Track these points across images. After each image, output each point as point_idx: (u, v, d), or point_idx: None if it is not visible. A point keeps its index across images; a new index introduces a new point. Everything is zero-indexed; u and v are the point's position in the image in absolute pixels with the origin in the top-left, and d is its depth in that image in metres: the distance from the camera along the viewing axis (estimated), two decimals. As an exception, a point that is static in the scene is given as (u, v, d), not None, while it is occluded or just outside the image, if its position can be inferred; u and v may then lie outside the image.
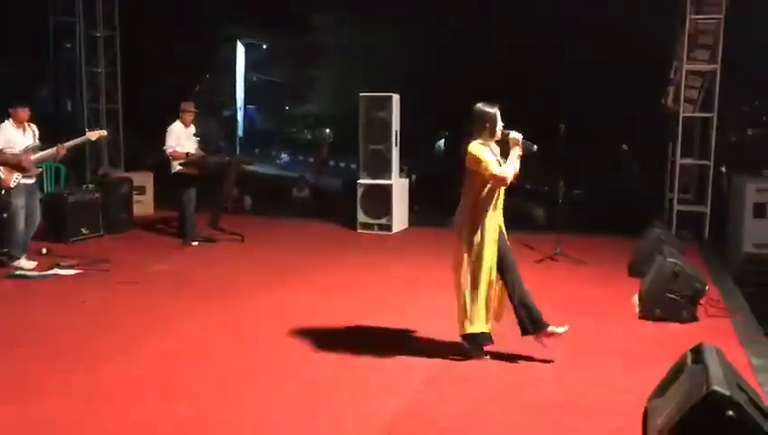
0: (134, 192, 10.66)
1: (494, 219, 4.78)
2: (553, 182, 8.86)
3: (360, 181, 10.11)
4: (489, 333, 4.83)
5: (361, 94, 10.12)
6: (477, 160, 4.64)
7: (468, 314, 4.74)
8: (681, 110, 9.82)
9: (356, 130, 10.24)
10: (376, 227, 9.97)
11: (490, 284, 4.77)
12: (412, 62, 17.84)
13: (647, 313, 5.85)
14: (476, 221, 4.73)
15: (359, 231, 10.00)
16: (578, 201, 11.90)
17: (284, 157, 23.91)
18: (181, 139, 8.87)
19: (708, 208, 9.82)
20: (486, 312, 4.77)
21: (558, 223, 8.45)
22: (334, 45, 22.45)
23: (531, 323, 4.79)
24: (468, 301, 4.74)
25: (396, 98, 10.00)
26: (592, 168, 13.80)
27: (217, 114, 22.70)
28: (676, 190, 9.97)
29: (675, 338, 5.24)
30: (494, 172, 4.63)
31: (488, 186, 4.71)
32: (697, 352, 3.39)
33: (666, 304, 5.76)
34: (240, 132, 23.60)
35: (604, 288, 6.93)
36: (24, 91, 14.00)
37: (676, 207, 9.94)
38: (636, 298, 6.26)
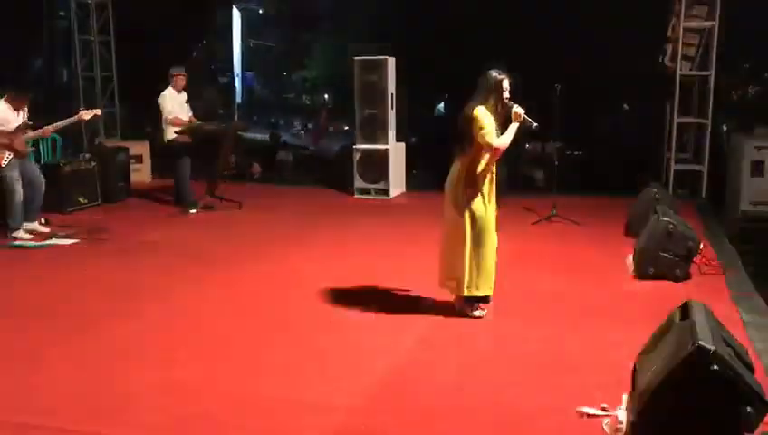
0: (131, 161, 10.66)
1: (492, 186, 4.80)
2: (552, 144, 8.85)
3: (357, 146, 10.08)
4: (490, 297, 4.92)
5: (355, 58, 10.02)
6: (479, 126, 4.61)
7: (472, 278, 4.77)
8: (679, 68, 9.73)
9: (353, 94, 10.17)
10: (373, 192, 9.98)
11: (494, 251, 4.83)
12: (411, 23, 17.63)
13: (640, 271, 5.88)
14: (477, 188, 4.72)
15: (356, 196, 10.00)
16: (576, 161, 11.86)
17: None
18: (175, 105, 8.82)
19: (706, 167, 9.80)
20: (490, 279, 4.82)
21: (555, 184, 8.44)
22: (331, 8, 22.17)
23: None
24: (472, 266, 4.76)
25: (391, 61, 9.90)
26: (590, 128, 13.71)
27: (214, 81, 22.51)
28: (673, 149, 9.93)
29: (667, 296, 5.25)
30: (491, 141, 4.61)
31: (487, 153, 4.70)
32: (685, 308, 3.43)
33: (659, 262, 5.78)
34: (238, 99, 23.43)
35: (599, 248, 6.96)
36: (18, 61, 13.91)
37: (674, 167, 9.92)
38: (630, 257, 6.29)
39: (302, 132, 21.40)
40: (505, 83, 4.72)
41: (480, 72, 4.81)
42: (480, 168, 4.73)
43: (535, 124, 4.79)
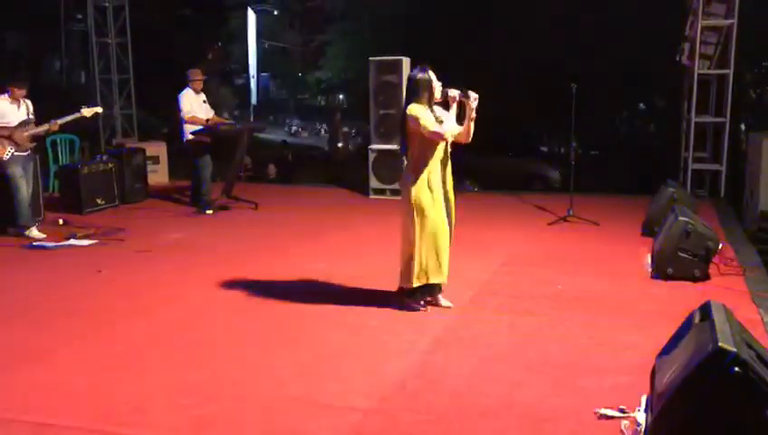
0: (148, 162, 10.73)
1: (439, 178, 4.85)
2: (568, 143, 8.79)
3: (372, 147, 10.08)
4: (439, 285, 5.00)
5: (371, 58, 10.04)
6: (416, 120, 4.69)
7: (422, 267, 4.84)
8: (696, 66, 9.65)
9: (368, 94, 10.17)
10: (388, 193, 9.97)
11: (445, 239, 4.88)
12: (424, 23, 17.64)
13: (659, 272, 5.83)
14: (422, 180, 4.79)
15: (371, 197, 10.00)
16: (593, 161, 11.80)
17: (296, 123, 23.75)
18: (194, 105, 8.91)
19: (724, 167, 9.71)
20: (441, 265, 4.88)
21: (571, 184, 8.39)
22: (346, 9, 22.20)
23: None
24: (422, 255, 4.83)
25: (406, 61, 9.89)
26: (607, 127, 13.66)
27: (230, 82, 22.63)
28: (691, 149, 9.84)
29: (686, 297, 5.21)
30: (432, 129, 4.68)
31: (429, 144, 4.76)
32: (705, 309, 3.38)
33: (678, 262, 5.73)
34: (254, 100, 23.55)
35: (616, 248, 6.91)
36: (36, 62, 14.03)
37: (692, 166, 9.83)
38: (648, 258, 6.24)
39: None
40: (433, 76, 4.81)
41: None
42: (420, 158, 4.80)
43: (473, 96, 4.79)
